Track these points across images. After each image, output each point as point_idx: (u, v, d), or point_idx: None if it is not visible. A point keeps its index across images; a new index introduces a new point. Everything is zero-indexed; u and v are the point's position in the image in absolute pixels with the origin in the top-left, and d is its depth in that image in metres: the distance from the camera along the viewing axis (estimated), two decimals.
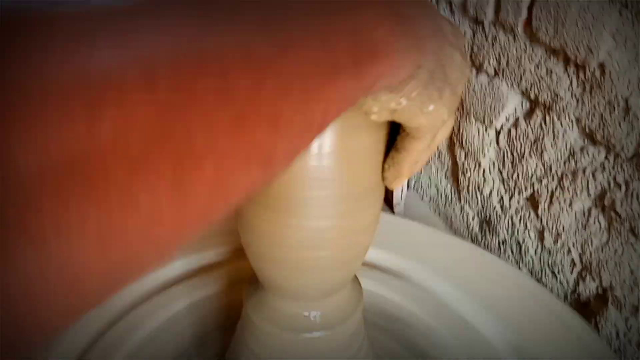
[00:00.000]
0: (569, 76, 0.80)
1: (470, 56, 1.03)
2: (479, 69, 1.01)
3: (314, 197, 0.38)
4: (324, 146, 0.35)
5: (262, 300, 0.48)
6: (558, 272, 0.86)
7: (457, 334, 0.68)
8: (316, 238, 0.39)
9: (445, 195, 1.18)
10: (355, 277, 0.52)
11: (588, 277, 0.80)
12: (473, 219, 1.09)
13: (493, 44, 0.97)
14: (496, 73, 0.97)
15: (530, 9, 0.86)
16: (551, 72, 0.83)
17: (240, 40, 0.17)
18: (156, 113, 0.14)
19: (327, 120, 0.21)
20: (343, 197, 0.37)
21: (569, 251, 0.83)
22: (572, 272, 0.83)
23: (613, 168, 0.74)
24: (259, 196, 0.38)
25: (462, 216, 1.12)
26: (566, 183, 0.83)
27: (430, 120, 0.32)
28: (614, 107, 0.73)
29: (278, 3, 0.19)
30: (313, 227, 0.39)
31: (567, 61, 0.80)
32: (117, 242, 0.15)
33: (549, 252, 0.88)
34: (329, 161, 0.35)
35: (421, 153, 0.36)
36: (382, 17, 0.25)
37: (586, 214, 0.80)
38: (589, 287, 0.80)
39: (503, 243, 0.99)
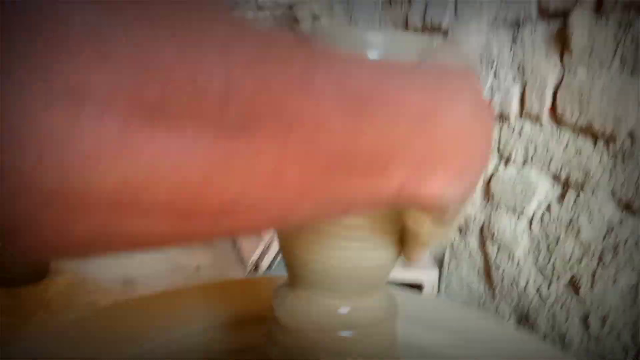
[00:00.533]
0: (598, 151, 0.81)
1: (498, 149, 1.06)
2: (507, 160, 1.04)
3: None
4: None
5: (293, 299, 0.44)
6: None
7: None
8: None
9: (479, 295, 1.12)
10: (388, 288, 0.48)
11: None
12: (510, 316, 1.02)
13: (520, 135, 1.00)
14: (525, 162, 0.98)
15: (554, 95, 0.91)
16: (580, 150, 0.85)
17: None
18: None
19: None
20: None
21: (619, 335, 0.76)
22: (626, 358, 0.75)
23: None
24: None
25: (498, 315, 1.05)
26: (607, 259, 0.78)
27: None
28: None
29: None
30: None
31: (595, 137, 0.82)
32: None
33: (597, 339, 0.80)
34: None
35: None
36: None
37: (634, 288, 0.74)
38: None
39: (544, 338, 0.91)
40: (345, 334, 0.43)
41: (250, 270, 1.36)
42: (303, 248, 0.42)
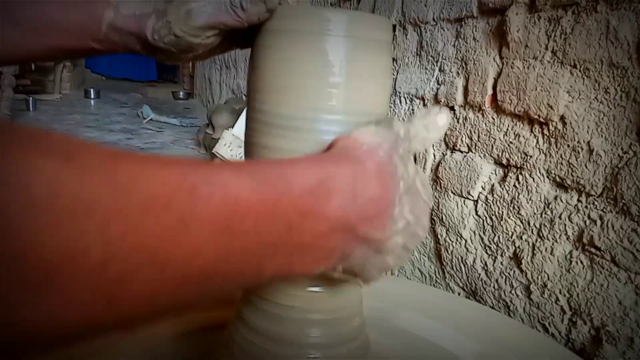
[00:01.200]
0: (534, 135, 0.89)
1: (444, 138, 1.14)
2: (452, 148, 1.11)
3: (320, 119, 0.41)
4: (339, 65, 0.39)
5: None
6: (549, 325, 0.85)
7: None
8: None
9: (430, 276, 1.19)
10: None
11: (579, 321, 0.80)
12: (459, 294, 1.09)
13: (464, 124, 1.07)
14: (469, 148, 1.06)
15: (494, 86, 0.98)
16: (519, 135, 0.93)
17: None
18: None
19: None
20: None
21: (557, 299, 0.84)
22: (562, 321, 0.83)
23: (586, 207, 0.79)
24: (264, 123, 0.41)
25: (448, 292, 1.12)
26: (545, 232, 0.87)
27: None
28: (579, 152, 0.80)
29: None
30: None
31: (531, 123, 0.90)
32: None
33: (538, 305, 0.88)
34: (338, 78, 0.40)
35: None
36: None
37: (568, 257, 0.82)
38: (581, 332, 0.79)
39: (491, 308, 0.98)
40: (316, 339, 0.46)
41: None
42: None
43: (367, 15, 0.42)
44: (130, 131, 3.38)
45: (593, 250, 0.77)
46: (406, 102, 1.29)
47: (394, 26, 1.34)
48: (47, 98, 4.59)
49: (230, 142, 1.60)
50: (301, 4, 0.42)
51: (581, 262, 0.80)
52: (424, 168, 1.21)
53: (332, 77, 0.38)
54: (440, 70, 1.16)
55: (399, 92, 1.32)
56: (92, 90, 5.16)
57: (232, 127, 1.77)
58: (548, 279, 0.85)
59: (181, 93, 6.03)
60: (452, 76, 1.11)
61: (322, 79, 0.38)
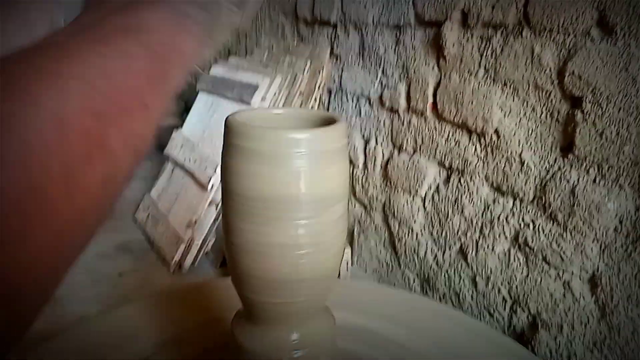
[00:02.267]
0: (473, 143, 0.98)
1: (391, 139, 1.21)
2: (399, 148, 1.19)
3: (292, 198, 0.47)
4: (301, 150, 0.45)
5: (250, 328, 0.55)
6: (493, 311, 0.97)
7: None
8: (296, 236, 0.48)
9: (386, 264, 1.29)
10: (328, 308, 0.60)
11: (519, 309, 0.92)
12: (414, 281, 1.20)
13: (409, 127, 1.15)
14: (414, 150, 1.14)
15: (434, 96, 1.06)
16: (459, 142, 1.02)
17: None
18: None
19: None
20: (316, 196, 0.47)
21: (499, 290, 0.96)
22: (505, 308, 0.95)
23: (520, 211, 0.90)
24: (242, 208, 0.47)
25: (404, 280, 1.23)
26: (486, 231, 0.97)
27: None
28: (512, 162, 0.90)
29: None
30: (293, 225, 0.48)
31: (469, 132, 0.99)
32: None
33: (484, 295, 1.00)
34: (304, 185, 0.46)
35: None
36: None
37: (507, 254, 0.94)
38: (521, 318, 0.92)
39: (443, 297, 1.10)
40: (297, 354, 0.54)
41: (174, 270, 1.42)
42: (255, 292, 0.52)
43: (324, 131, 0.47)
44: None
45: (527, 249, 0.89)
46: (352, 101, 1.35)
47: (335, 25, 1.38)
48: None
49: (182, 145, 1.61)
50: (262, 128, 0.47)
51: (518, 259, 0.91)
52: (374, 165, 1.29)
53: (296, 187, 0.45)
54: (383, 73, 1.22)
55: (345, 90, 1.38)
56: None
57: (182, 120, 1.77)
58: (491, 272, 0.97)
59: None
60: (395, 81, 1.18)
61: (288, 188, 0.45)
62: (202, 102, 1.73)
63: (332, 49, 1.40)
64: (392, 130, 1.21)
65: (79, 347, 0.75)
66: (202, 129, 1.64)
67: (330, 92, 1.43)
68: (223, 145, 0.50)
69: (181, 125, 1.73)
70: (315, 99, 1.44)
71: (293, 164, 0.44)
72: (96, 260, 1.50)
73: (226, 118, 0.49)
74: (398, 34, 1.16)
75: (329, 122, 0.49)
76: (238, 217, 0.49)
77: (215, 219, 1.44)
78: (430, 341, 0.76)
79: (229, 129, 0.47)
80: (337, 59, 1.40)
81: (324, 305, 0.58)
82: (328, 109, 1.45)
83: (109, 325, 0.81)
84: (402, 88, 1.16)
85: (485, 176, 0.96)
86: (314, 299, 0.53)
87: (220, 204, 1.42)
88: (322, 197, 0.47)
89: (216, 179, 1.42)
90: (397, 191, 1.21)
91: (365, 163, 1.32)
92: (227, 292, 0.67)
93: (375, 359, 0.72)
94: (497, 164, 0.93)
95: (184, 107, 2.49)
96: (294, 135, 0.45)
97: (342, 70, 1.38)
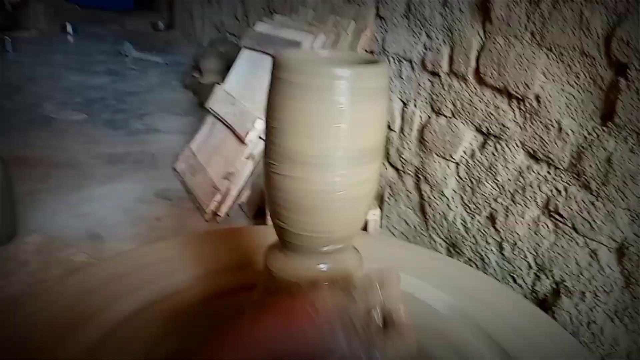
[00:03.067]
0: (512, 109, 0.98)
1: (430, 102, 1.21)
2: (437, 112, 1.19)
3: (328, 156, 0.49)
4: (341, 111, 0.47)
5: (282, 258, 0.58)
6: (517, 277, 0.98)
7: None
8: (331, 187, 0.50)
9: (414, 227, 1.31)
10: (356, 249, 0.62)
11: (542, 276, 0.93)
12: (440, 245, 1.21)
13: (449, 91, 1.15)
14: (453, 114, 1.14)
15: (477, 59, 1.05)
16: (498, 107, 1.01)
17: None
18: None
19: None
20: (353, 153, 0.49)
21: (525, 256, 0.96)
22: (529, 274, 0.96)
23: (554, 179, 0.90)
24: (281, 155, 0.49)
25: (431, 243, 1.24)
26: (517, 197, 0.97)
27: None
28: (550, 129, 0.90)
29: None
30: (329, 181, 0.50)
31: (509, 97, 0.98)
32: None
33: (509, 260, 1.00)
34: (344, 124, 0.47)
35: None
36: None
37: (536, 221, 0.94)
38: (544, 284, 0.92)
39: (469, 261, 1.11)
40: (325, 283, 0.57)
41: (210, 218, 1.47)
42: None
43: (366, 68, 0.48)
44: (115, 73, 3.34)
45: (557, 217, 0.89)
46: (395, 63, 1.35)
47: None
48: (24, 35, 4.45)
49: (223, 99, 1.65)
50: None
51: (547, 226, 0.91)
52: (410, 129, 1.29)
53: (339, 122, 0.47)
54: (427, 36, 1.21)
55: (387, 52, 1.37)
56: (68, 24, 4.98)
57: (222, 78, 1.81)
58: (518, 238, 0.97)
59: (160, 24, 5.85)
60: (439, 43, 1.17)
61: (330, 123, 0.47)
62: (245, 59, 1.75)
63: (377, 9, 1.39)
64: (431, 94, 1.21)
65: (115, 275, 0.79)
66: (243, 84, 1.67)
67: (372, 54, 1.43)
68: (269, 81, 0.51)
69: (219, 73, 1.76)
70: None
71: (335, 98, 0.46)
72: (136, 204, 1.57)
73: (274, 54, 0.50)
74: None
75: (372, 63, 0.51)
76: (281, 167, 0.51)
77: (252, 172, 1.48)
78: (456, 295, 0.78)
79: (276, 63, 0.49)
80: (381, 20, 1.39)
81: (350, 245, 0.60)
82: None
83: (146, 258, 0.86)
84: (446, 51, 1.15)
85: (522, 142, 0.96)
86: (343, 232, 0.55)
87: (257, 157, 1.46)
88: (361, 137, 0.49)
89: (254, 134, 1.46)
90: (432, 155, 1.21)
91: (402, 126, 1.33)
92: (261, 238, 0.70)
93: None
94: (535, 130, 0.93)
95: (227, 65, 2.53)
96: (336, 70, 0.46)
97: (385, 32, 1.37)
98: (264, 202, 1.40)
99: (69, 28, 5.01)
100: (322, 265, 0.57)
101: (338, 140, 0.47)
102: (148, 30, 5.72)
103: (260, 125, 1.44)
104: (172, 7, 5.98)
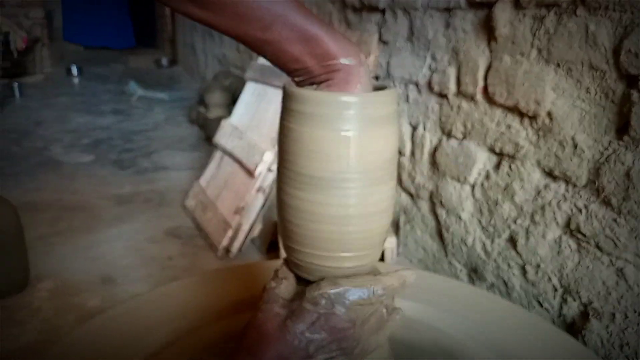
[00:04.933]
0: (524, 127, 0.96)
1: (440, 125, 1.20)
2: (448, 134, 1.17)
3: (341, 179, 0.48)
4: (350, 140, 0.46)
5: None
6: (543, 301, 0.95)
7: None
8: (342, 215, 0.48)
9: (433, 254, 1.28)
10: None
11: (569, 298, 0.89)
12: (461, 271, 1.18)
13: (458, 112, 1.13)
14: (464, 135, 1.12)
15: (485, 79, 1.04)
16: (510, 126, 0.99)
17: None
18: None
19: None
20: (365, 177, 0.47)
21: (550, 279, 0.93)
22: (555, 297, 0.92)
23: (573, 197, 0.87)
24: (294, 180, 0.48)
25: (451, 270, 1.21)
26: (537, 218, 0.95)
27: None
28: (564, 145, 0.87)
29: None
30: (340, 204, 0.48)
31: (521, 115, 0.96)
32: None
33: (533, 284, 0.97)
34: (354, 150, 0.46)
35: None
36: None
37: (558, 241, 0.91)
38: (571, 307, 0.89)
39: (492, 286, 1.08)
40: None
41: (222, 255, 1.45)
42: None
43: (375, 95, 0.47)
44: (121, 112, 3.38)
45: (579, 236, 0.86)
46: (400, 87, 1.34)
47: (383, 10, 1.37)
48: (31, 80, 4.54)
49: (230, 133, 1.64)
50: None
51: (569, 246, 0.88)
52: (421, 152, 1.28)
53: (348, 148, 0.46)
54: (432, 58, 1.21)
55: (392, 77, 1.37)
56: (73, 67, 5.08)
57: (228, 111, 1.81)
58: (541, 260, 0.94)
59: (164, 61, 5.95)
60: (444, 65, 1.16)
61: (340, 149, 0.46)
62: (249, 91, 1.76)
63: (380, 34, 1.39)
64: (440, 116, 1.19)
65: (129, 322, 0.78)
66: (249, 117, 1.67)
67: (377, 79, 1.42)
68: (280, 110, 0.51)
69: (229, 114, 1.77)
70: None
71: (343, 126, 0.45)
72: (147, 244, 1.56)
73: (283, 85, 0.50)
74: (448, 18, 1.14)
75: (380, 90, 0.50)
76: (293, 189, 0.49)
77: (263, 205, 1.47)
78: (477, 330, 0.75)
79: (285, 94, 0.48)
80: (385, 45, 1.39)
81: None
82: None
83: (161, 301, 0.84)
84: (452, 72, 1.14)
85: (537, 161, 0.94)
86: (358, 260, 0.52)
87: (267, 189, 1.44)
88: (372, 161, 0.48)
89: (263, 166, 1.45)
90: (445, 178, 1.19)
91: (412, 150, 1.31)
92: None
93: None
94: (549, 147, 0.91)
95: (232, 98, 2.55)
96: (344, 98, 0.45)
97: (389, 56, 1.37)
98: (277, 235, 1.38)
99: (74, 70, 5.10)
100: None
101: (348, 162, 0.47)
102: (152, 68, 5.81)
103: (268, 157, 1.43)
104: (174, 43, 6.09)
